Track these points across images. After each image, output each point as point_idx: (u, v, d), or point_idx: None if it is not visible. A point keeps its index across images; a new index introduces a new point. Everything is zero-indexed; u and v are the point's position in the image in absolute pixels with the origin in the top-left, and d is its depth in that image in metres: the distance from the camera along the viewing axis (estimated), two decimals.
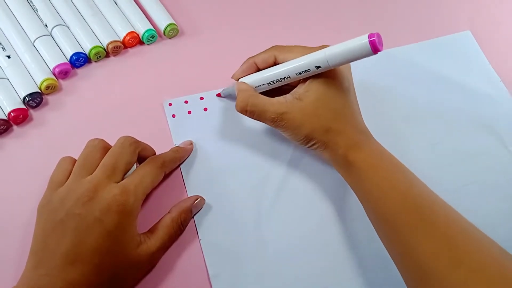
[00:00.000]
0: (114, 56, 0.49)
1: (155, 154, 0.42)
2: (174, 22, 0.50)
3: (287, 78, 0.40)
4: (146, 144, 0.41)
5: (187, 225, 0.40)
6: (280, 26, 0.53)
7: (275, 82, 0.41)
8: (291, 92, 0.40)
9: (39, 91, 0.45)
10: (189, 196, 0.42)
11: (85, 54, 0.47)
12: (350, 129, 0.39)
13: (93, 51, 0.47)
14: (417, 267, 0.33)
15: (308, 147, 0.40)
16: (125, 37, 0.48)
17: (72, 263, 0.33)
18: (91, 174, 0.37)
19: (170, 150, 0.42)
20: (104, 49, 0.48)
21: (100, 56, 0.48)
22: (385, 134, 0.46)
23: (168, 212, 0.40)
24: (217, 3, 0.54)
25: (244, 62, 0.44)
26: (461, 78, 0.51)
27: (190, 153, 0.44)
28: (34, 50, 0.46)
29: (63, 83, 0.47)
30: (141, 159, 0.40)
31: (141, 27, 0.49)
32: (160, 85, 0.47)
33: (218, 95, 0.47)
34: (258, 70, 0.43)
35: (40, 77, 0.45)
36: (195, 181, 0.43)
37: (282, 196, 0.43)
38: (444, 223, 0.34)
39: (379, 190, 0.36)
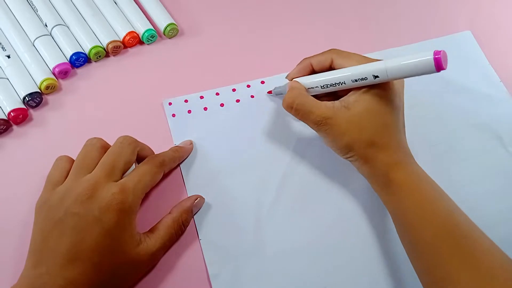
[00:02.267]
0: (114, 56, 0.49)
1: (154, 154, 0.42)
2: (174, 22, 0.50)
3: (342, 84, 0.39)
4: (145, 145, 0.41)
5: (188, 225, 0.40)
6: (280, 26, 0.53)
7: (328, 86, 0.40)
8: (340, 99, 0.39)
9: (39, 91, 0.45)
10: (189, 195, 0.42)
11: (85, 54, 0.47)
12: (394, 147, 0.38)
13: (93, 51, 0.47)
14: None
15: (346, 158, 0.40)
16: (125, 37, 0.48)
17: (72, 262, 0.33)
18: (90, 173, 0.37)
19: (169, 150, 0.42)
20: (104, 49, 0.48)
21: (100, 56, 0.48)
22: None
23: (169, 213, 0.40)
24: (217, 3, 0.54)
25: (300, 62, 0.43)
26: (461, 78, 0.51)
27: (190, 153, 0.44)
28: (34, 50, 0.46)
29: (63, 83, 0.47)
30: (140, 159, 0.40)
31: (141, 27, 0.49)
32: (160, 85, 0.47)
33: (269, 92, 0.47)
34: (313, 71, 0.43)
35: (40, 77, 0.45)
36: (195, 180, 0.43)
37: (282, 196, 0.43)
38: (483, 254, 0.33)
39: (419, 213, 0.36)
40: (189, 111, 0.46)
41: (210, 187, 0.42)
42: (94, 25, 0.48)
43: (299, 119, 0.41)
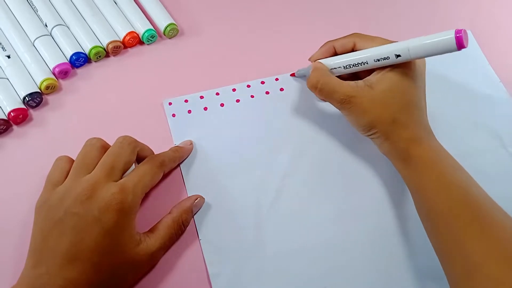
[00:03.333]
0: (114, 56, 0.49)
1: (153, 154, 0.42)
2: (174, 22, 0.50)
3: (364, 64, 0.40)
4: (145, 145, 0.41)
5: (188, 225, 0.40)
6: (280, 26, 0.53)
7: (351, 66, 0.41)
8: (363, 79, 0.41)
9: (39, 91, 0.45)
10: (189, 195, 0.42)
11: (85, 54, 0.47)
12: (415, 124, 0.40)
13: (93, 51, 0.47)
14: (465, 262, 0.33)
15: (368, 135, 0.41)
16: (125, 37, 0.48)
17: (72, 262, 0.33)
18: (90, 173, 0.37)
19: (169, 150, 0.42)
20: (104, 49, 0.48)
21: (100, 56, 0.48)
22: None
23: (169, 213, 0.40)
24: (217, 3, 0.54)
25: (323, 45, 0.45)
26: (460, 78, 0.51)
27: (189, 153, 0.44)
28: (34, 50, 0.46)
29: (63, 83, 0.47)
30: (140, 159, 0.40)
31: (141, 27, 0.49)
32: (160, 85, 0.47)
33: (292, 75, 0.48)
34: (335, 53, 0.44)
35: (40, 77, 0.45)
36: (195, 180, 0.43)
37: (282, 195, 0.43)
38: (498, 225, 0.34)
39: (437, 185, 0.37)
40: (189, 111, 0.46)
41: (210, 187, 0.42)
42: (94, 25, 0.48)
43: (323, 99, 0.42)
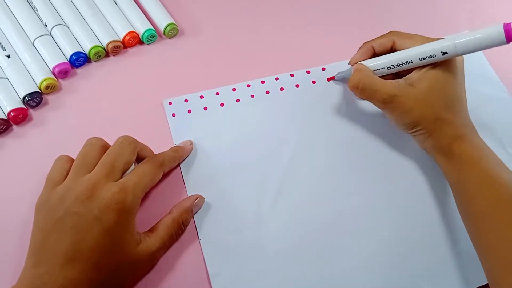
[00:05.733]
0: (114, 55, 0.49)
1: (153, 154, 0.42)
2: (174, 22, 0.50)
3: (409, 63, 0.41)
4: (145, 145, 0.41)
5: (188, 225, 0.40)
6: (280, 25, 0.53)
7: (395, 66, 0.42)
8: (404, 77, 0.41)
9: (39, 90, 0.45)
10: (189, 195, 0.42)
11: (85, 54, 0.47)
12: (458, 121, 0.40)
13: (93, 51, 0.47)
14: (509, 257, 0.34)
15: (411, 133, 0.42)
16: (125, 36, 0.48)
17: (72, 261, 0.33)
18: (90, 172, 0.37)
19: (169, 149, 0.42)
20: (104, 49, 0.48)
21: (100, 56, 0.48)
22: (385, 134, 0.47)
23: (169, 213, 0.40)
24: (217, 3, 0.54)
25: (361, 46, 0.45)
26: None
27: (189, 153, 0.44)
28: (33, 49, 0.46)
29: (63, 82, 0.47)
30: (140, 159, 0.40)
31: (141, 27, 0.49)
32: (160, 85, 0.47)
33: (332, 78, 0.48)
34: (374, 54, 0.44)
35: (39, 76, 0.45)
36: (195, 180, 0.43)
37: (282, 195, 0.43)
38: None
39: (478, 183, 0.38)
40: (189, 111, 0.46)
41: (210, 187, 0.42)
42: (94, 25, 0.48)
43: (365, 99, 0.43)
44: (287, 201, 0.42)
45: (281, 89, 0.48)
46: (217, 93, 0.47)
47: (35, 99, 0.44)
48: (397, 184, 0.44)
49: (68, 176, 0.37)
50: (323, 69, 0.50)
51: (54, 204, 0.35)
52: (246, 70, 0.49)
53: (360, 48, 0.45)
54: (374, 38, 0.44)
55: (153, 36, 0.49)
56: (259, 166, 0.44)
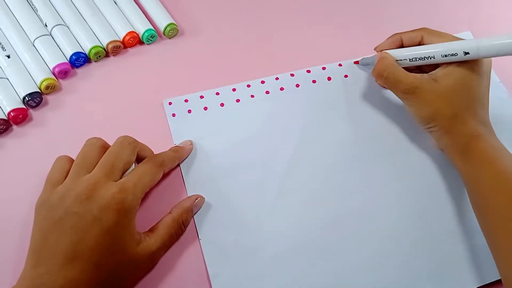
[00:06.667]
0: (114, 56, 0.49)
1: (153, 154, 0.42)
2: (174, 22, 0.50)
3: (430, 58, 0.41)
4: (145, 145, 0.41)
5: (188, 225, 0.40)
6: (280, 26, 0.53)
7: (417, 59, 0.42)
8: (429, 73, 0.42)
9: (39, 91, 0.45)
10: (189, 195, 0.42)
11: (85, 54, 0.47)
12: (477, 120, 0.40)
13: (93, 51, 0.47)
14: None
15: (427, 128, 0.42)
16: (125, 37, 0.48)
17: (72, 261, 0.33)
18: (90, 172, 0.37)
19: (169, 150, 0.42)
20: (104, 49, 0.48)
21: (100, 56, 0.48)
22: (386, 134, 0.47)
23: (169, 213, 0.40)
24: (217, 3, 0.54)
25: (390, 36, 0.46)
26: None
27: (189, 153, 0.44)
28: (34, 49, 0.46)
29: (63, 83, 0.47)
30: (139, 159, 0.40)
31: (141, 27, 0.49)
32: (160, 85, 0.47)
33: (356, 62, 0.49)
34: (402, 46, 0.45)
35: (39, 77, 0.45)
36: (195, 180, 0.43)
37: (282, 195, 0.43)
38: None
39: (493, 183, 0.38)
40: (189, 111, 0.46)
41: (210, 187, 0.42)
42: (94, 25, 0.48)
43: (387, 88, 0.44)
44: (287, 201, 0.42)
45: (281, 89, 0.48)
46: (217, 93, 0.47)
47: (35, 99, 0.44)
48: (398, 185, 0.44)
49: (68, 176, 0.37)
50: (324, 68, 0.50)
51: (54, 204, 0.35)
52: (246, 70, 0.49)
53: (389, 37, 0.46)
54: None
55: (153, 36, 0.49)
56: (260, 166, 0.44)
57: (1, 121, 0.43)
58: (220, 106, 0.46)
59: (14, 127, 0.44)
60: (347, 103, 0.48)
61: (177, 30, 0.51)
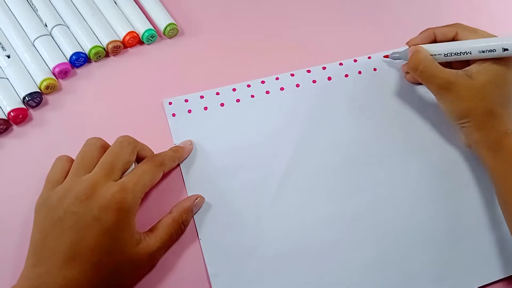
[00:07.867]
0: (114, 56, 0.49)
1: (153, 154, 0.42)
2: (174, 22, 0.50)
3: (467, 54, 0.41)
4: (145, 145, 0.41)
5: (188, 224, 0.40)
6: (280, 26, 0.53)
7: (452, 55, 0.42)
8: (463, 69, 0.42)
9: (39, 90, 0.45)
10: (189, 195, 0.42)
11: (85, 54, 0.47)
12: (510, 117, 0.41)
13: (93, 51, 0.47)
14: None
15: (459, 123, 0.42)
16: (125, 37, 0.48)
17: (71, 261, 0.33)
18: (89, 172, 0.37)
19: (169, 149, 0.42)
20: (104, 49, 0.48)
21: (100, 56, 0.48)
22: (387, 134, 0.46)
23: (169, 212, 0.40)
24: (217, 3, 0.54)
25: (423, 31, 0.45)
26: None
27: (189, 153, 0.44)
28: (34, 49, 0.46)
29: (63, 82, 0.47)
30: (139, 159, 0.40)
31: (141, 27, 0.49)
32: (160, 85, 0.47)
33: (386, 56, 0.49)
34: (435, 41, 0.45)
35: (40, 76, 0.45)
36: (195, 180, 0.43)
37: (282, 195, 0.43)
38: None
39: None
40: (189, 111, 0.46)
41: (210, 187, 0.42)
42: (94, 25, 0.48)
43: (421, 81, 0.44)
44: (287, 201, 0.42)
45: (281, 89, 0.48)
46: (217, 93, 0.47)
47: (35, 99, 0.44)
48: (398, 185, 0.44)
49: (67, 176, 0.37)
50: (324, 68, 0.50)
51: (53, 204, 0.35)
52: (246, 70, 0.49)
53: (422, 32, 0.45)
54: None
55: (153, 36, 0.49)
56: (260, 166, 0.44)
57: (1, 121, 0.43)
58: (220, 106, 0.46)
59: (14, 127, 0.44)
60: (347, 103, 0.48)
61: (177, 30, 0.51)
